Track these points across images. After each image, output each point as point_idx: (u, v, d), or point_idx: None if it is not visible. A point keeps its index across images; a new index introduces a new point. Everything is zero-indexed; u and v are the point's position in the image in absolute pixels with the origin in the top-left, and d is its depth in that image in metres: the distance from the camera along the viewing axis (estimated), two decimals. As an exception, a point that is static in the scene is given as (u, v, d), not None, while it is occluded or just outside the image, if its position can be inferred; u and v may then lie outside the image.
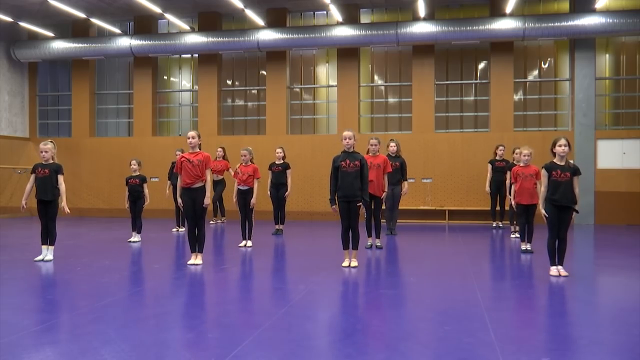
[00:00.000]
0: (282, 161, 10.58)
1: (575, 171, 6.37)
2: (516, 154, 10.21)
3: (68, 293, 5.93)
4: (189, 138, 7.28)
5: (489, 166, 11.62)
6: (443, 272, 7.03)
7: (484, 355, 3.73)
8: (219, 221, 13.13)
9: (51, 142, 7.65)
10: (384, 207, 9.55)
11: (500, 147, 11.55)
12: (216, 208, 12.95)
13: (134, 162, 9.57)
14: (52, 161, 7.55)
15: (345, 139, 6.94)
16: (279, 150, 10.70)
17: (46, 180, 7.43)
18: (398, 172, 9.92)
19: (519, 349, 3.86)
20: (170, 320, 4.69)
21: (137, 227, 9.65)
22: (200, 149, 7.39)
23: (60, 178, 7.53)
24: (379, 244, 8.79)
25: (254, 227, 9.30)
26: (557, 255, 6.51)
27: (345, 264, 7.07)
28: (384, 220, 10.41)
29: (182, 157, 7.28)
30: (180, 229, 11.36)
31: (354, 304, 5.49)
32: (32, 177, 7.53)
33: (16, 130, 15.86)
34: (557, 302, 5.56)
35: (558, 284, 6.13)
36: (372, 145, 8.45)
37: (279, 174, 10.53)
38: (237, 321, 4.68)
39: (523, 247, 8.47)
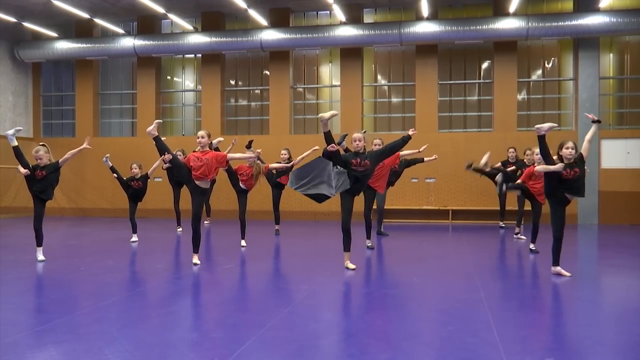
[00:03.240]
0: (287, 162, 10.54)
1: (581, 161, 6.39)
2: (527, 155, 10.06)
3: (71, 293, 5.95)
4: (198, 137, 7.17)
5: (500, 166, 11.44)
6: (446, 271, 7.02)
7: (487, 355, 3.72)
8: (206, 222, 12.79)
9: (42, 145, 7.60)
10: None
11: (511, 150, 11.31)
12: (208, 207, 12.86)
13: (134, 165, 9.62)
14: (48, 162, 7.50)
15: (355, 141, 6.82)
16: (284, 152, 10.67)
17: (44, 182, 7.42)
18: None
19: (522, 348, 3.85)
20: (173, 320, 4.70)
21: (134, 227, 9.67)
22: (210, 148, 7.36)
23: (60, 166, 7.49)
24: (369, 244, 8.79)
25: (248, 226, 9.31)
26: (555, 254, 6.54)
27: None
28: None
29: (193, 154, 7.19)
30: (178, 229, 11.39)
31: (357, 304, 5.49)
32: (25, 170, 7.40)
33: (20, 131, 15.87)
34: (560, 302, 5.54)
35: (562, 284, 6.11)
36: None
37: (282, 174, 10.47)
38: (240, 321, 4.67)
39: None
